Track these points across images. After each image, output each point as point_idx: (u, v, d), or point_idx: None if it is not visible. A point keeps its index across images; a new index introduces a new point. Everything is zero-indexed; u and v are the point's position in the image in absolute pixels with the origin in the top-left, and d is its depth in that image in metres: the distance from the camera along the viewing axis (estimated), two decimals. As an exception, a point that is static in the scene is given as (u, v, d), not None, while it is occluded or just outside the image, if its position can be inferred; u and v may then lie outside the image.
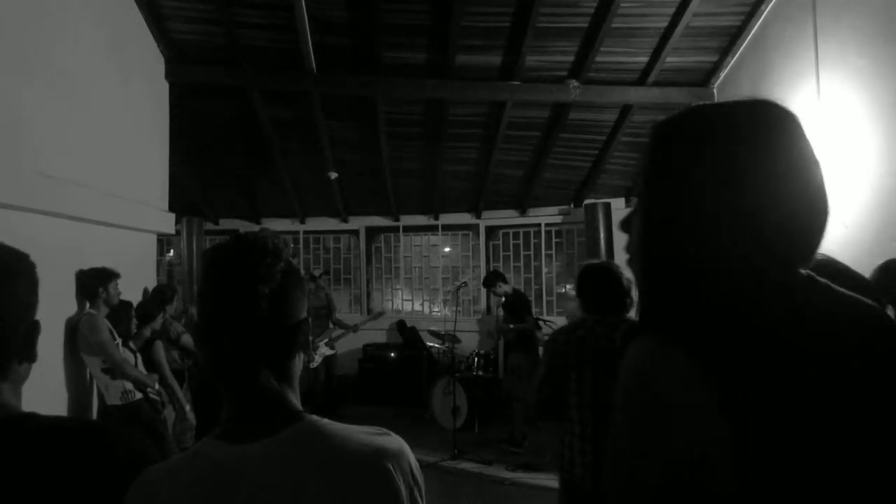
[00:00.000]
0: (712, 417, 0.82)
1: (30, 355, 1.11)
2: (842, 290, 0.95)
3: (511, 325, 6.58)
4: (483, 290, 8.85)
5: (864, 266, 2.69)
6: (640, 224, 1.00)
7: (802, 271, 0.94)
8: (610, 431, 0.96)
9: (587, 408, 2.72)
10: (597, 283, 2.94)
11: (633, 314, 2.87)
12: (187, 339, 5.33)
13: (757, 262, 0.91)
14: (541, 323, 7.21)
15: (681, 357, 0.86)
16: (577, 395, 2.75)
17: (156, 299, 5.29)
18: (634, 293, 2.83)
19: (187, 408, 4.89)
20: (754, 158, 0.91)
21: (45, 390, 3.82)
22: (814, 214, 0.93)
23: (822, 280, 0.95)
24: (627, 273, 2.89)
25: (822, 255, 1.11)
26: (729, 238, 0.91)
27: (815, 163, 0.93)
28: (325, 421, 1.02)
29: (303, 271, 1.12)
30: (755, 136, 0.92)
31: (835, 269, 1.26)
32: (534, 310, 7.32)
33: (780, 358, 0.86)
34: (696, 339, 0.87)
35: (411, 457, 1.03)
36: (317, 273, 7.66)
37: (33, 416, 1.07)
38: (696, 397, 0.83)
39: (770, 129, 0.93)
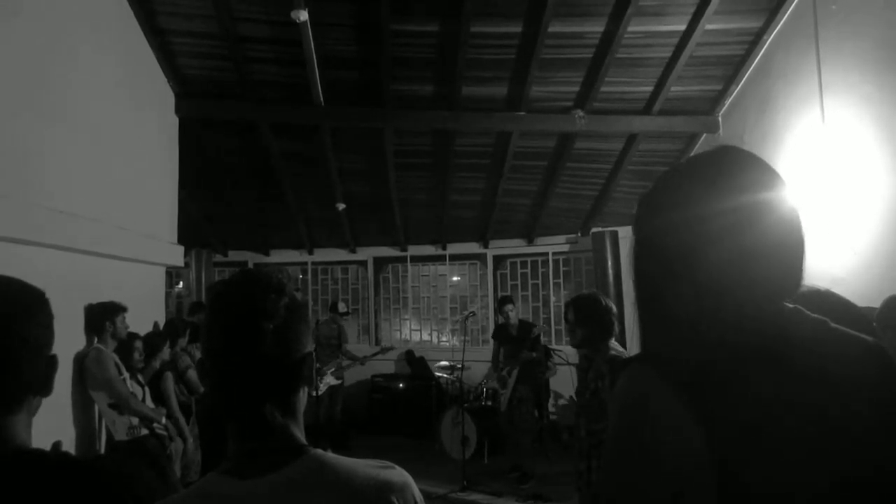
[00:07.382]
0: (698, 454, 0.82)
1: (46, 389, 1.13)
2: (836, 326, 0.95)
3: (505, 371, 6.54)
4: (491, 320, 8.82)
5: (875, 292, 2.66)
6: (635, 271, 1.04)
7: (788, 304, 0.95)
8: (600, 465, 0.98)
9: None
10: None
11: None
12: (193, 374, 5.31)
13: (739, 299, 0.91)
14: (552, 352, 7.16)
15: (669, 392, 0.86)
16: None
17: (166, 331, 5.29)
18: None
19: (189, 440, 4.85)
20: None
21: (53, 425, 3.80)
22: (787, 249, 0.94)
23: (815, 315, 0.95)
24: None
25: (811, 286, 1.11)
26: (719, 283, 0.92)
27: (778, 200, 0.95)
28: (330, 455, 1.02)
29: (312, 302, 1.12)
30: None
31: (829, 304, 1.25)
32: (542, 339, 7.27)
33: (767, 394, 0.86)
34: (684, 374, 0.87)
35: (415, 490, 1.04)
36: (342, 309, 7.67)
37: (40, 453, 1.07)
38: (683, 434, 0.83)
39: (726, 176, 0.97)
